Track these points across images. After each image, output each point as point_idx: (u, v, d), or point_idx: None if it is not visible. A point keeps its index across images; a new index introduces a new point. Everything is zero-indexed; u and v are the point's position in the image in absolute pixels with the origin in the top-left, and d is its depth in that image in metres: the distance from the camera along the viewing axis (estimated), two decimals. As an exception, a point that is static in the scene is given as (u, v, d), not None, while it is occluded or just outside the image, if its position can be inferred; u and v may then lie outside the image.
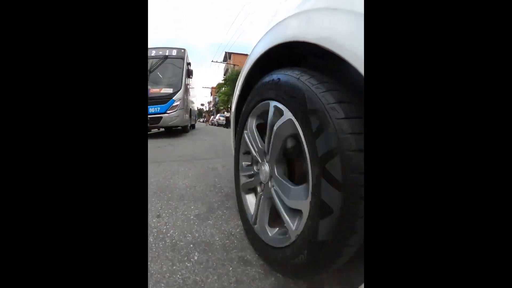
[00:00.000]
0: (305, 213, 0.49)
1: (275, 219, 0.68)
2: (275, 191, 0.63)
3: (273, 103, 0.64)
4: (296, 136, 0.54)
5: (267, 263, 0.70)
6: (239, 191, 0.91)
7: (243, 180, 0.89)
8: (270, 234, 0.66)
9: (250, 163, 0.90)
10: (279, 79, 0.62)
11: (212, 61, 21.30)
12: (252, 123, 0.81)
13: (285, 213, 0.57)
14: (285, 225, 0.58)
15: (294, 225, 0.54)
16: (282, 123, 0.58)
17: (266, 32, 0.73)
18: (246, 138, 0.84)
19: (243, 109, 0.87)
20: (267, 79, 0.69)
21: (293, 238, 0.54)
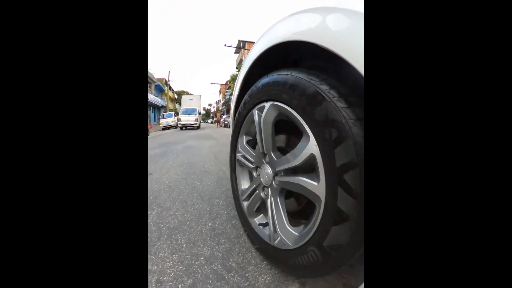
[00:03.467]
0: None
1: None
2: (282, 175, 0.62)
3: (255, 109, 0.71)
4: (281, 113, 0.60)
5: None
6: (246, 216, 0.84)
7: (245, 204, 0.84)
8: (297, 234, 0.58)
9: (249, 185, 0.86)
10: (255, 86, 0.71)
11: (225, 45, 19.64)
12: (242, 141, 0.87)
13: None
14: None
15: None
16: (266, 111, 0.65)
17: (264, 32, 0.72)
18: (241, 158, 0.87)
19: (231, 136, 0.93)
20: (247, 94, 0.77)
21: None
